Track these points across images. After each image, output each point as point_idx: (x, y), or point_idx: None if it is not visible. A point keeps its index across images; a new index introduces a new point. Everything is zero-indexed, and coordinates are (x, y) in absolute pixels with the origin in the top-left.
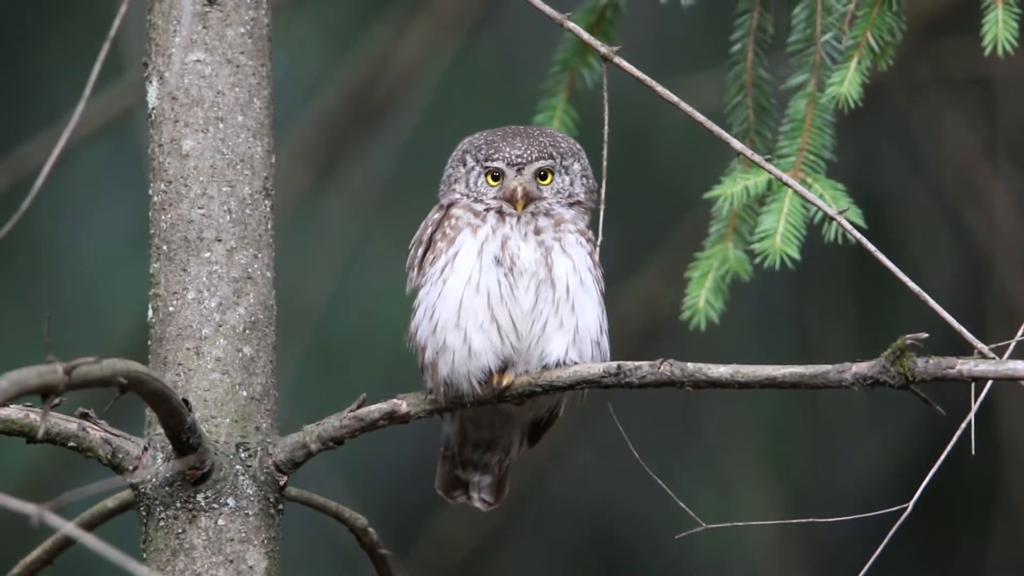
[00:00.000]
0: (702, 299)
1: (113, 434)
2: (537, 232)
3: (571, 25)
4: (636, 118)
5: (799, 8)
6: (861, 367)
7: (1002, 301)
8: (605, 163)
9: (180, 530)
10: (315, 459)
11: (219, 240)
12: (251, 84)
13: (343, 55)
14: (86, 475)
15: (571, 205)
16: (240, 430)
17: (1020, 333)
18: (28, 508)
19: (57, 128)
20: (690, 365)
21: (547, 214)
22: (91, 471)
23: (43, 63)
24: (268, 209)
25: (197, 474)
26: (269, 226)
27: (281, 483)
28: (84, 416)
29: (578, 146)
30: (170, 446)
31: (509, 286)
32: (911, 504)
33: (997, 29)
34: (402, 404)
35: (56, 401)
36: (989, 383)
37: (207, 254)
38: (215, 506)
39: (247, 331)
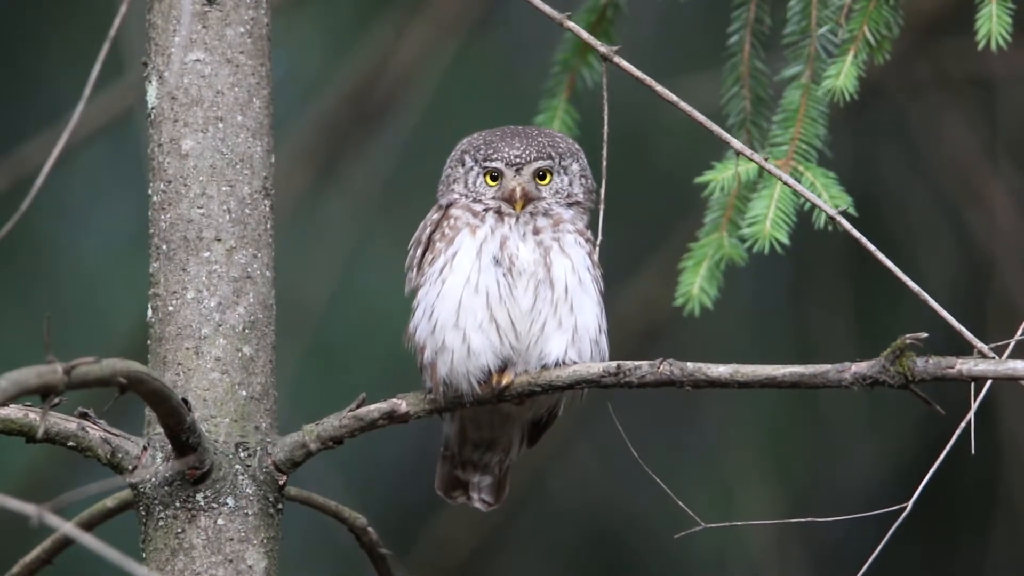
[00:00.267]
0: (696, 286)
1: (113, 434)
2: (536, 232)
3: (571, 25)
4: (636, 118)
5: (794, 0)
6: (861, 367)
7: (1002, 301)
8: (605, 163)
9: (179, 530)
10: (314, 459)
11: (219, 240)
12: (251, 84)
13: (343, 55)
14: (86, 475)
15: (570, 205)
16: (239, 430)
17: (1020, 332)
18: (28, 508)
19: (57, 128)
20: (690, 365)
21: (546, 214)
22: (91, 471)
23: (43, 63)
24: (268, 209)
25: (196, 474)
26: (269, 226)
27: (280, 483)
28: (84, 416)
29: (577, 146)
30: (169, 446)
31: (508, 286)
32: (910, 504)
33: (991, 24)
34: (401, 404)
35: (56, 401)
36: (989, 383)
37: (207, 254)
38: (214, 506)
39: (246, 331)
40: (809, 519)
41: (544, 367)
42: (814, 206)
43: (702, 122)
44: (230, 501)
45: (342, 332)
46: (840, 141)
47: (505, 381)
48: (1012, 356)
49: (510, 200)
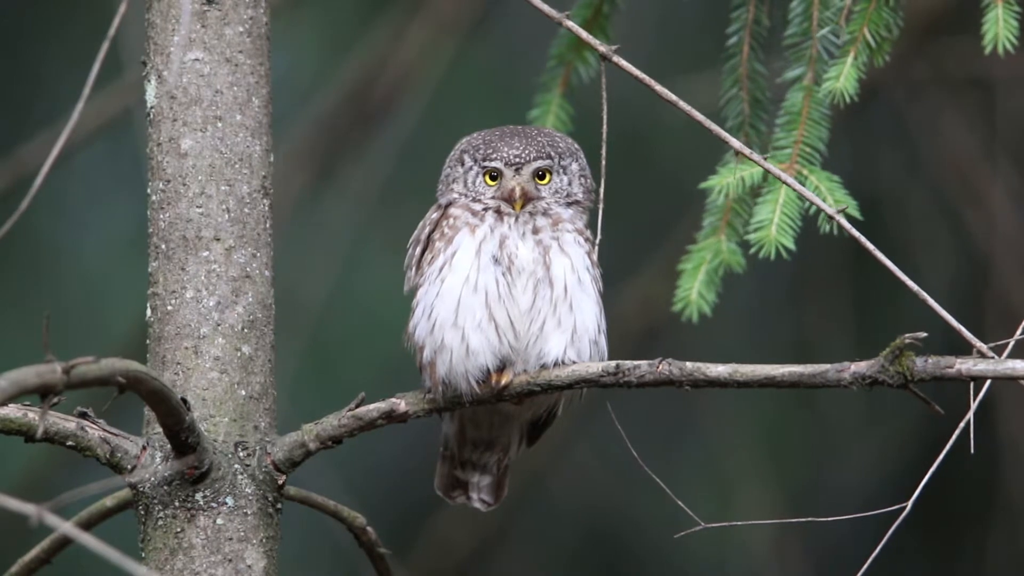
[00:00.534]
0: (694, 291)
1: (112, 433)
2: (535, 231)
3: (570, 24)
4: (635, 117)
5: (796, 2)
6: (860, 366)
7: (1001, 301)
8: (604, 162)
9: (179, 529)
10: (314, 458)
11: (217, 239)
12: (250, 83)
13: (342, 54)
14: (85, 474)
15: (569, 205)
16: (239, 429)
17: (1019, 332)
18: (27, 508)
19: (56, 128)
20: (689, 364)
21: (545, 214)
22: (90, 470)
23: (43, 63)
24: (266, 208)
25: (195, 473)
26: (267, 225)
27: (280, 482)
28: (83, 415)
29: (576, 146)
30: (169, 445)
31: (507, 285)
32: (910, 503)
33: (998, 28)
34: (400, 403)
35: (55, 400)
36: (988, 382)
37: (205, 253)
38: (214, 505)
39: (245, 330)
40: (808, 519)
41: (543, 367)
42: (819, 210)
43: (701, 121)
44: (229, 501)
45: (341, 331)
46: (839, 141)
47: (504, 380)
48: (1011, 356)
49: (509, 200)
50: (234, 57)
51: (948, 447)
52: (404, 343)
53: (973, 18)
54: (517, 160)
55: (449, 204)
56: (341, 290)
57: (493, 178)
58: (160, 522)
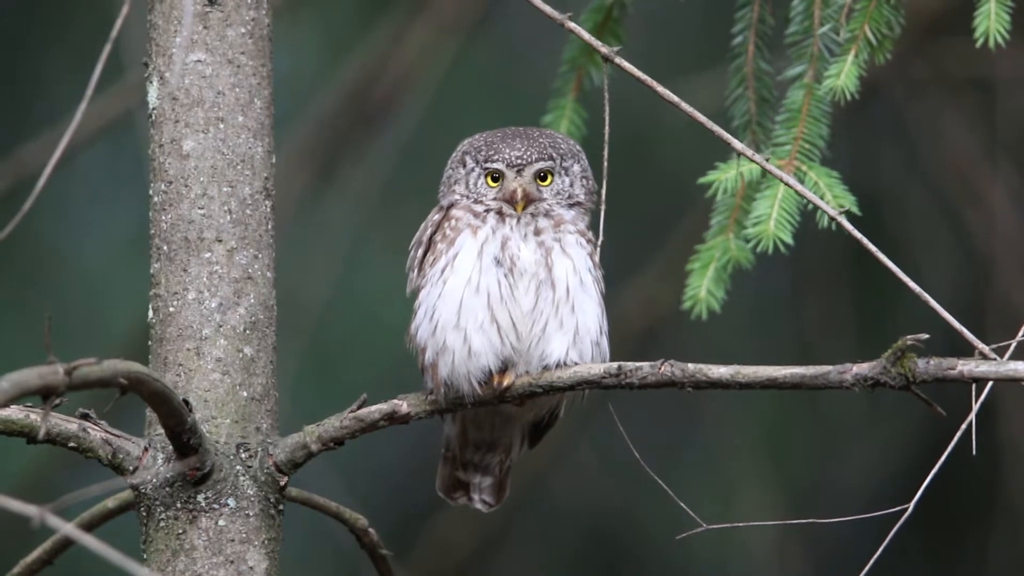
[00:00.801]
0: (703, 289)
1: (114, 435)
2: (537, 233)
3: (572, 26)
4: (639, 118)
5: (797, 0)
6: (862, 368)
7: (1002, 301)
8: (606, 163)
9: (180, 531)
10: (315, 460)
11: (219, 240)
12: (252, 84)
13: (343, 55)
14: (86, 476)
15: (571, 206)
16: (240, 430)
17: (1021, 334)
18: (29, 509)
19: (58, 129)
20: (691, 366)
21: (547, 215)
22: (91, 472)
23: (44, 64)
24: (268, 209)
25: (197, 474)
26: (269, 226)
27: (281, 483)
28: (84, 417)
29: (578, 147)
30: (170, 447)
31: (509, 287)
32: (912, 505)
33: (989, 22)
34: (402, 405)
35: (57, 402)
36: (990, 384)
37: (207, 254)
38: (215, 507)
39: (247, 331)
40: (810, 520)
41: (545, 368)
42: (817, 206)
43: (703, 122)
44: (231, 502)
45: (343, 333)
46: (840, 141)
47: (506, 382)
48: (1013, 357)
49: (511, 201)
50: (236, 58)
51: (950, 449)
52: (406, 344)
53: (972, 17)
54: (519, 161)
55: (451, 205)
56: (342, 291)
57: (495, 179)
58: (162, 523)
